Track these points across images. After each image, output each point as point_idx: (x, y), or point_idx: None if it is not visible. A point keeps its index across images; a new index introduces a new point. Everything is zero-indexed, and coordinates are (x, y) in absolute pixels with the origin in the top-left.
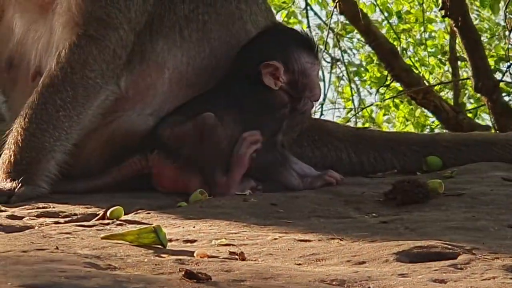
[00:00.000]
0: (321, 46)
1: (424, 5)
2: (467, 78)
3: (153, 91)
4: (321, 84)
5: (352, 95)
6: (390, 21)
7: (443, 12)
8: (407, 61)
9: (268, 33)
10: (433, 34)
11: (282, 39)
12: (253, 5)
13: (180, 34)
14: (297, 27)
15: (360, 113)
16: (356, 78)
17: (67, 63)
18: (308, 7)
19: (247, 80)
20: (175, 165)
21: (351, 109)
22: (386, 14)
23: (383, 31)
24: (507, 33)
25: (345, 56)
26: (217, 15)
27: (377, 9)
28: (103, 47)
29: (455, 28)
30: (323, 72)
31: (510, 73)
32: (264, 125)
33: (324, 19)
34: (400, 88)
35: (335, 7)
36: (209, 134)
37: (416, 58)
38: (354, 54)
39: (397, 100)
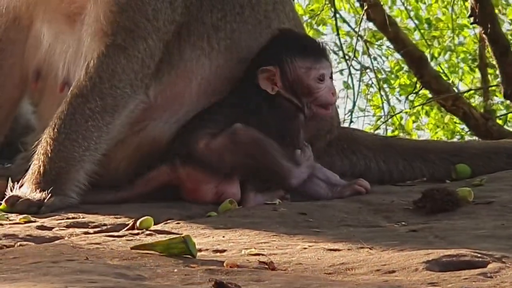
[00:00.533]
0: (350, 54)
1: (453, 12)
2: (496, 85)
3: (181, 99)
4: (343, 91)
5: (382, 103)
6: (420, 28)
7: (472, 19)
8: (437, 68)
9: (272, 39)
10: (463, 40)
11: (281, 44)
12: (281, 14)
13: (208, 42)
14: (326, 35)
15: (389, 120)
16: (385, 86)
17: (95, 73)
18: (337, 14)
19: (256, 87)
20: (212, 180)
21: (380, 117)
22: (416, 21)
23: (414, 37)
24: None
25: (375, 63)
26: (245, 24)
27: (405, 14)
28: (132, 57)
29: (484, 35)
30: (352, 80)
31: None
32: (281, 133)
33: (353, 26)
34: (430, 95)
35: (364, 14)
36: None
37: (446, 65)
38: (383, 61)
39: (427, 107)
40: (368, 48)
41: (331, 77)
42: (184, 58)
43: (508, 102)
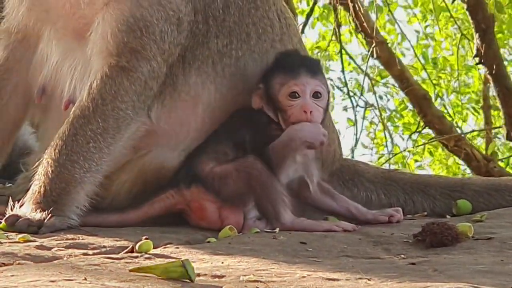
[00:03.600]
0: (355, 91)
1: (459, 52)
2: (499, 127)
3: (187, 125)
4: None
5: (386, 141)
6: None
7: (477, 59)
8: (442, 108)
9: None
10: (469, 81)
11: (273, 63)
12: (288, 45)
13: (214, 68)
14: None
15: (392, 159)
16: (389, 124)
17: (98, 94)
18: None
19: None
20: (216, 201)
21: (383, 155)
22: (423, 61)
23: (421, 75)
24: None
25: (379, 101)
26: (251, 52)
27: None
28: (135, 79)
29: (488, 76)
30: (355, 116)
31: None
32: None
33: (359, 62)
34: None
35: (370, 51)
36: (258, 177)
37: (450, 106)
38: (388, 99)
39: (431, 147)
40: (373, 86)
41: (318, 97)
42: (189, 82)
43: (511, 144)
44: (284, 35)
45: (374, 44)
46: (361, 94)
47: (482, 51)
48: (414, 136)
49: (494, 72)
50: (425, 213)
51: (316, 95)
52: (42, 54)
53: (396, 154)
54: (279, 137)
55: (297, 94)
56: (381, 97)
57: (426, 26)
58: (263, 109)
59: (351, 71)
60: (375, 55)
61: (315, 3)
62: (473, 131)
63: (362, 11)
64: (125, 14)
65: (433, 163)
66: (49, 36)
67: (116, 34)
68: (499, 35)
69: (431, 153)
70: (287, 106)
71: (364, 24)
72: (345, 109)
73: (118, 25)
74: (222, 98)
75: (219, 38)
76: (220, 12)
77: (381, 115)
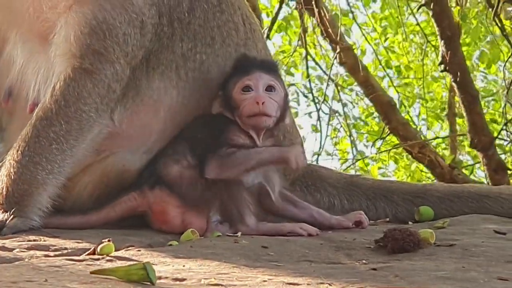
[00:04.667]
0: (320, 98)
1: (424, 60)
2: (463, 134)
3: (149, 129)
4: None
5: (352, 148)
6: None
7: (442, 67)
8: (406, 116)
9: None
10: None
11: (232, 67)
12: (252, 50)
13: (177, 73)
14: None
15: (356, 165)
16: (353, 131)
17: (61, 96)
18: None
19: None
20: (180, 205)
21: (346, 160)
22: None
23: (384, 86)
24: (505, 92)
25: (344, 108)
26: (215, 56)
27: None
28: (98, 81)
29: (453, 83)
30: (320, 123)
31: (506, 131)
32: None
33: (324, 69)
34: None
35: (335, 57)
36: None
37: (415, 113)
38: (353, 106)
39: (396, 155)
40: (338, 92)
41: (271, 91)
42: (152, 86)
43: (475, 152)
44: (248, 40)
45: (338, 50)
46: (324, 100)
47: (447, 59)
48: (378, 143)
49: (458, 79)
50: (388, 219)
51: (269, 88)
52: (8, 57)
53: (358, 160)
54: (265, 149)
55: (250, 89)
56: (345, 104)
57: (387, 39)
58: (222, 113)
59: (317, 78)
60: (338, 60)
61: (280, 8)
62: (437, 137)
63: (327, 17)
64: (88, 17)
65: (398, 170)
66: (15, 39)
67: (79, 36)
68: (465, 48)
69: (396, 161)
70: (240, 101)
71: (329, 29)
72: (309, 114)
73: (81, 28)
74: (184, 102)
75: (184, 41)
76: (185, 15)
77: (346, 121)
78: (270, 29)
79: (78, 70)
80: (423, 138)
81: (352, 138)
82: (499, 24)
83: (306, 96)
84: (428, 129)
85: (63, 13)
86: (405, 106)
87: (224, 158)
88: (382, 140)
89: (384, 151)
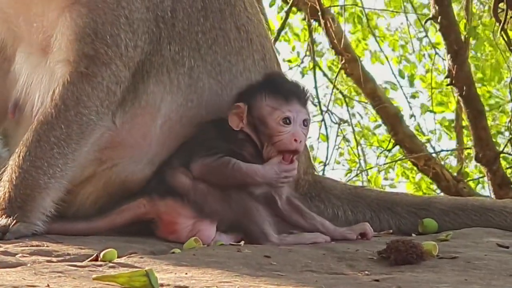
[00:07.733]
0: (328, 107)
1: (432, 72)
2: (468, 148)
3: (149, 139)
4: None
5: (359, 158)
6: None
7: (448, 80)
8: (416, 127)
9: (259, 80)
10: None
11: (259, 83)
12: (247, 60)
13: (168, 76)
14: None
15: (364, 176)
16: (362, 141)
17: (60, 100)
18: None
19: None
20: (192, 216)
21: (351, 170)
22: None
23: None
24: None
25: (353, 118)
26: (203, 62)
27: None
28: (96, 84)
29: (459, 97)
30: (327, 132)
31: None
32: None
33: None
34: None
35: (341, 69)
36: (240, 203)
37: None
38: (362, 117)
39: (405, 169)
40: (346, 102)
41: (305, 125)
42: (147, 90)
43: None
44: (243, 49)
45: (343, 61)
46: (327, 110)
47: (454, 72)
48: (385, 154)
49: (464, 93)
50: (391, 230)
51: (304, 123)
52: (15, 72)
53: (363, 170)
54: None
55: (289, 120)
56: (354, 115)
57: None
58: (243, 129)
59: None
60: (343, 70)
61: (286, 18)
62: (442, 150)
63: (333, 28)
64: (73, 23)
65: (408, 184)
66: (20, 54)
67: (71, 42)
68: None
69: (403, 173)
70: (277, 132)
71: (335, 41)
72: (319, 124)
73: (68, 36)
74: (178, 110)
75: (171, 44)
76: (168, 14)
77: (353, 131)
78: (275, 39)
79: (75, 74)
80: (429, 150)
81: (361, 148)
82: (506, 39)
83: (314, 105)
84: (437, 141)
85: (55, 22)
86: (414, 117)
87: (213, 164)
88: (388, 152)
89: (389, 162)
